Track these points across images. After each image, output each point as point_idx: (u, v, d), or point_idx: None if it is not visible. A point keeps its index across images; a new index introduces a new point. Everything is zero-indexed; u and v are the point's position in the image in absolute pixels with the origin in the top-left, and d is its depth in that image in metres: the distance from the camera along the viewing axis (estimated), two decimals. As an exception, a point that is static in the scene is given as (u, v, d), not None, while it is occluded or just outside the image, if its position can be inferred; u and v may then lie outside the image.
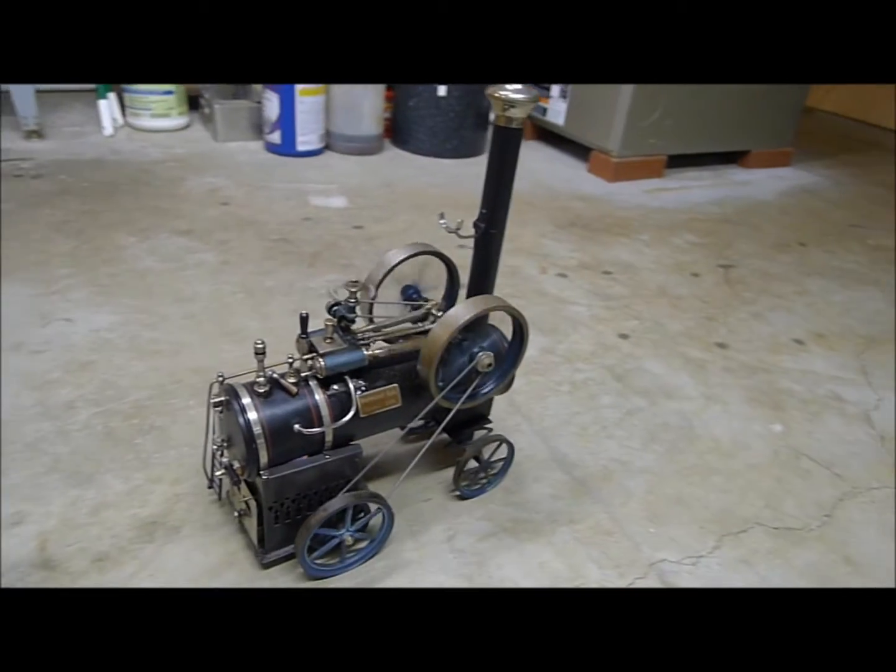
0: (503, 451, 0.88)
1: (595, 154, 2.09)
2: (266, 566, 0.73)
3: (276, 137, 1.94)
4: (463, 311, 0.70)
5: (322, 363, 0.70)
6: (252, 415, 0.68)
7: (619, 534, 0.82)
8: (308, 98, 1.91)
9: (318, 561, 0.73)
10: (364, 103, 2.00)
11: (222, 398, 0.71)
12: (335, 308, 0.73)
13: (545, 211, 1.76)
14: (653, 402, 1.07)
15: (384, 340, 0.78)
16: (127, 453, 0.85)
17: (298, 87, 1.88)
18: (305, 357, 0.72)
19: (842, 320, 1.41)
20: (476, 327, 0.74)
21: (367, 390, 0.74)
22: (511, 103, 0.69)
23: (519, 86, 0.69)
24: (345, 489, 0.72)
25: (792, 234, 1.83)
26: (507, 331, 0.79)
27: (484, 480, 0.87)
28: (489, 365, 0.75)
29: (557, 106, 2.19)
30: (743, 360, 1.22)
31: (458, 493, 0.85)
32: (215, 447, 0.76)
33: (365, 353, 0.73)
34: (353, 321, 0.74)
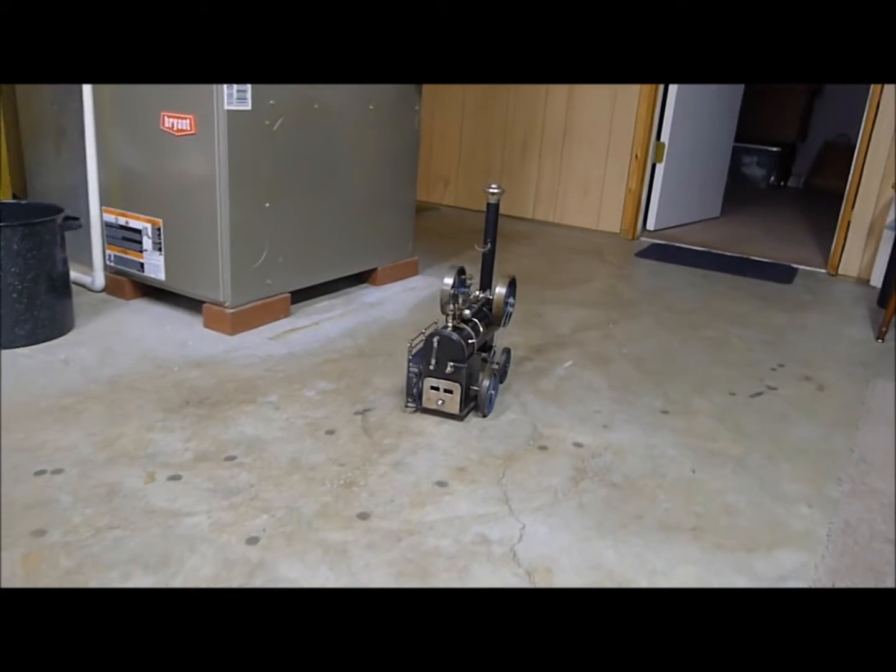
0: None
1: (208, 307, 2.08)
2: (462, 418, 1.64)
3: None
4: (502, 286, 1.68)
5: (467, 312, 1.64)
6: (457, 336, 1.56)
7: None
8: None
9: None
10: None
11: (438, 336, 1.57)
12: (453, 294, 1.62)
13: (153, 393, 1.68)
14: (290, 621, 1.04)
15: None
16: None
17: None
18: (455, 313, 1.62)
19: (480, 444, 1.56)
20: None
21: (478, 324, 1.65)
22: (491, 194, 1.69)
23: (495, 184, 1.69)
24: (485, 368, 1.67)
25: (427, 354, 2.01)
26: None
27: (505, 370, 1.88)
28: (513, 303, 1.77)
29: (154, 260, 2.15)
30: (386, 527, 1.26)
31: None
32: (421, 373, 1.62)
33: (474, 307, 1.69)
34: (469, 295, 1.70)
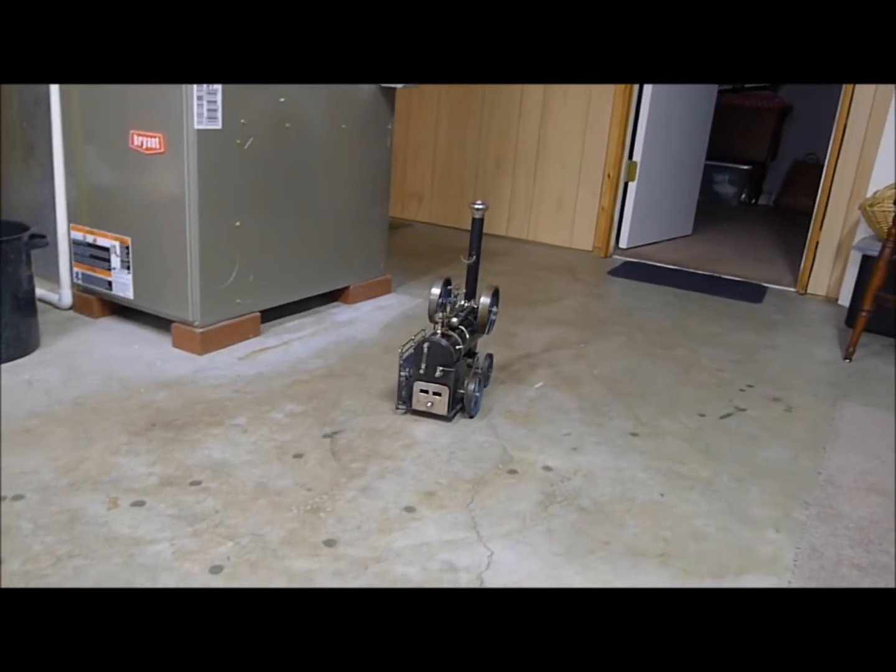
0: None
1: (177, 326, 2.06)
2: (450, 419, 1.76)
3: None
4: (486, 296, 1.81)
5: (454, 320, 1.76)
6: (445, 342, 1.68)
7: None
8: None
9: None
10: None
11: (428, 342, 1.68)
12: (440, 303, 1.75)
13: (119, 415, 1.66)
14: (253, 654, 1.02)
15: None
16: None
17: None
18: (443, 321, 1.73)
19: (449, 468, 1.55)
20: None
21: (464, 331, 1.76)
22: (476, 209, 1.81)
23: (480, 201, 1.80)
24: (471, 373, 1.80)
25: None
26: None
27: (488, 375, 1.98)
28: (496, 311, 1.88)
29: (122, 278, 2.13)
30: (353, 554, 1.25)
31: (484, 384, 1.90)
32: (411, 377, 1.73)
33: (461, 315, 1.80)
34: (455, 304, 1.83)
